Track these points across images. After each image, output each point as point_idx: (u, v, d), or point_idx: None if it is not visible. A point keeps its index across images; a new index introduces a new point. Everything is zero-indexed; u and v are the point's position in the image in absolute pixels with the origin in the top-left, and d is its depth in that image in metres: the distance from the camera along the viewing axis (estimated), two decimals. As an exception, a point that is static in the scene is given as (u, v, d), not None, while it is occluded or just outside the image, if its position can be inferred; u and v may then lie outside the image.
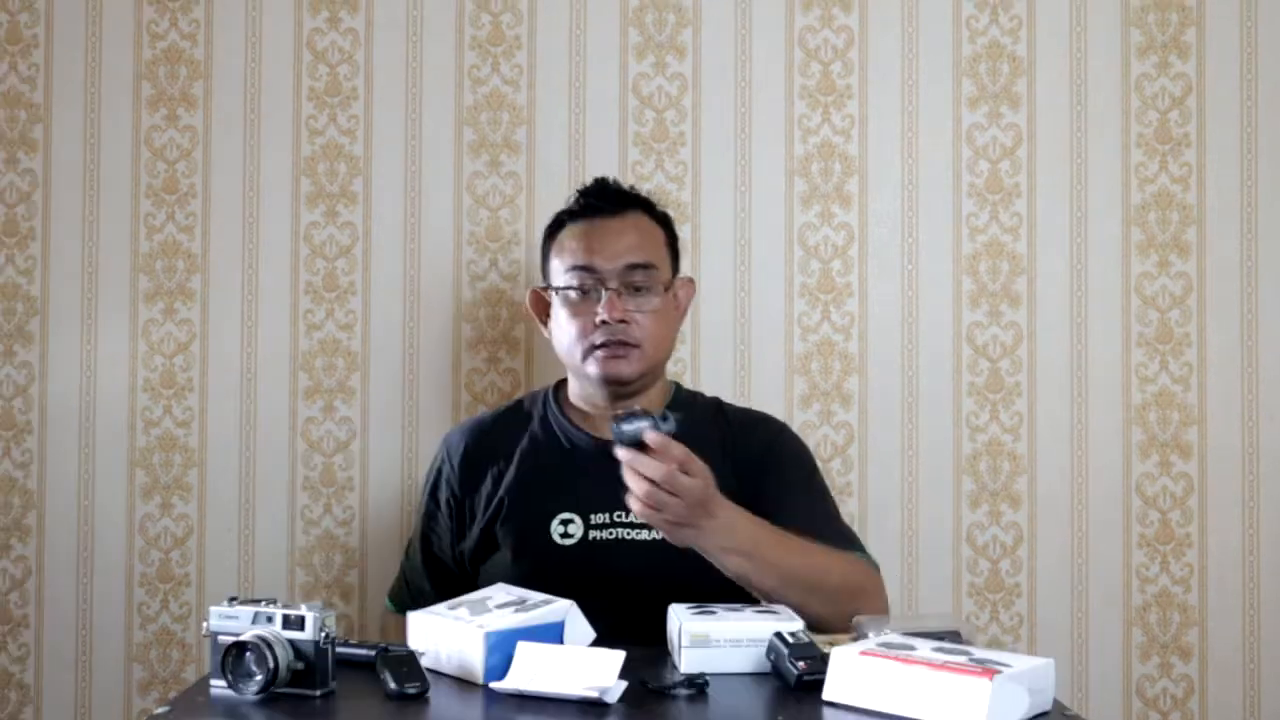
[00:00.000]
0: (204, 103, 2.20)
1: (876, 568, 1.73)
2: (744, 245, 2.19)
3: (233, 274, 2.19)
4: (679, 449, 1.48)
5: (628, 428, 1.49)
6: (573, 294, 1.79)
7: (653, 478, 1.47)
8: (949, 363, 2.18)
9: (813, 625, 1.58)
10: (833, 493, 1.88)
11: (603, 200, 1.85)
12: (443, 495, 1.87)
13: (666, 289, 1.82)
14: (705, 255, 2.19)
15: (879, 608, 1.67)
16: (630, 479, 1.49)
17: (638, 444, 1.48)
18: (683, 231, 2.18)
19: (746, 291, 2.19)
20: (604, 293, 1.77)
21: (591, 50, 2.20)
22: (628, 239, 1.80)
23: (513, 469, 1.81)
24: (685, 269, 2.15)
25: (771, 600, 1.59)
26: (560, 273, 1.82)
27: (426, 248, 2.19)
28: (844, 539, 1.74)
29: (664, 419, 1.49)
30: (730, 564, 1.57)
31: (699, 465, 1.49)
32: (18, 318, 2.19)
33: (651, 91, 2.20)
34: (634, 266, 1.78)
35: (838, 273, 2.19)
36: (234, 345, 2.19)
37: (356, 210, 2.20)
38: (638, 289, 1.79)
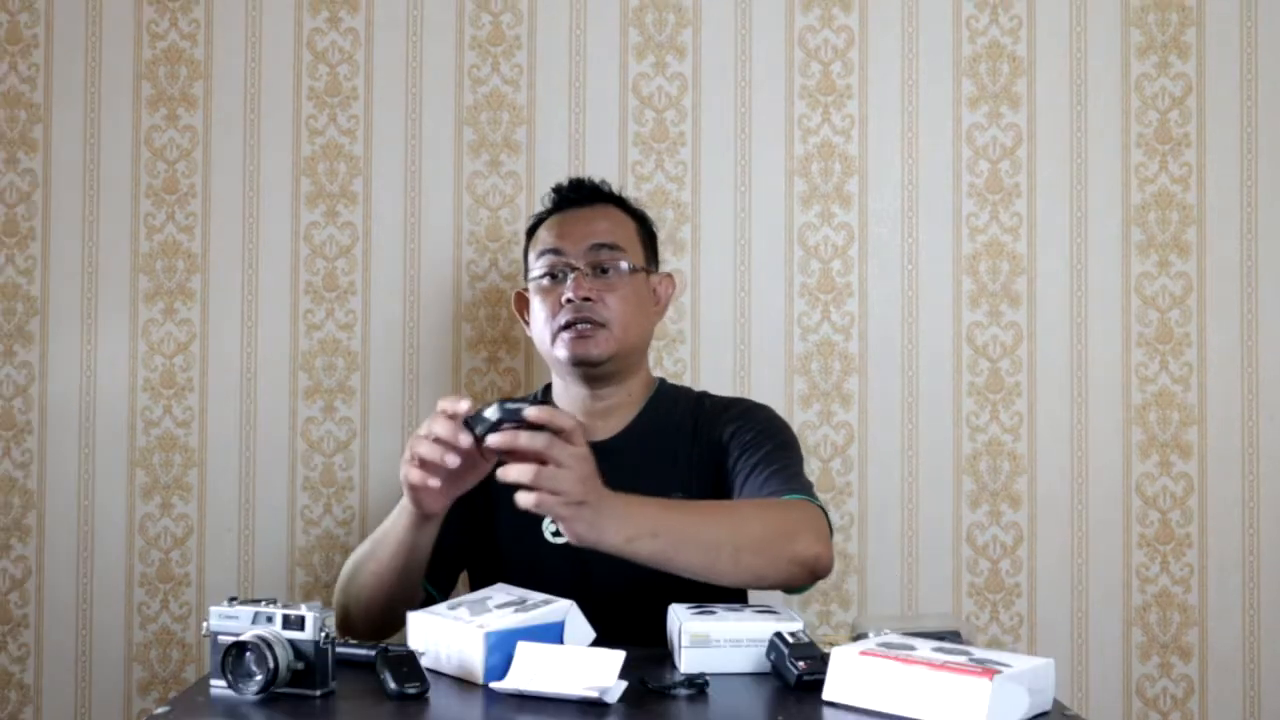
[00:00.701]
0: (204, 103, 2.20)
1: (821, 509, 1.62)
2: (744, 245, 2.19)
3: (233, 274, 2.19)
4: (565, 417, 1.39)
5: (486, 414, 1.39)
6: (544, 280, 1.82)
7: (538, 449, 1.36)
8: (949, 363, 2.18)
9: (761, 585, 1.58)
10: (822, 485, 1.87)
11: (575, 194, 1.90)
12: None
13: (635, 272, 1.82)
14: (705, 255, 2.19)
15: (816, 544, 1.55)
16: (512, 468, 1.38)
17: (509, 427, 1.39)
18: (682, 231, 2.18)
19: (746, 291, 2.19)
20: (571, 274, 1.79)
21: (591, 50, 2.20)
22: (596, 224, 1.84)
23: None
24: (685, 269, 2.16)
25: (706, 578, 1.52)
26: (533, 262, 1.86)
27: (426, 248, 2.19)
28: (789, 484, 1.66)
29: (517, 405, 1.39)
30: (643, 551, 1.46)
31: (581, 439, 1.39)
32: (18, 318, 2.19)
33: (651, 91, 2.20)
34: (600, 246, 1.81)
35: (838, 273, 2.19)
36: (234, 345, 2.19)
37: (356, 210, 2.20)
38: (605, 270, 1.80)
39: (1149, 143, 2.19)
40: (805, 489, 1.67)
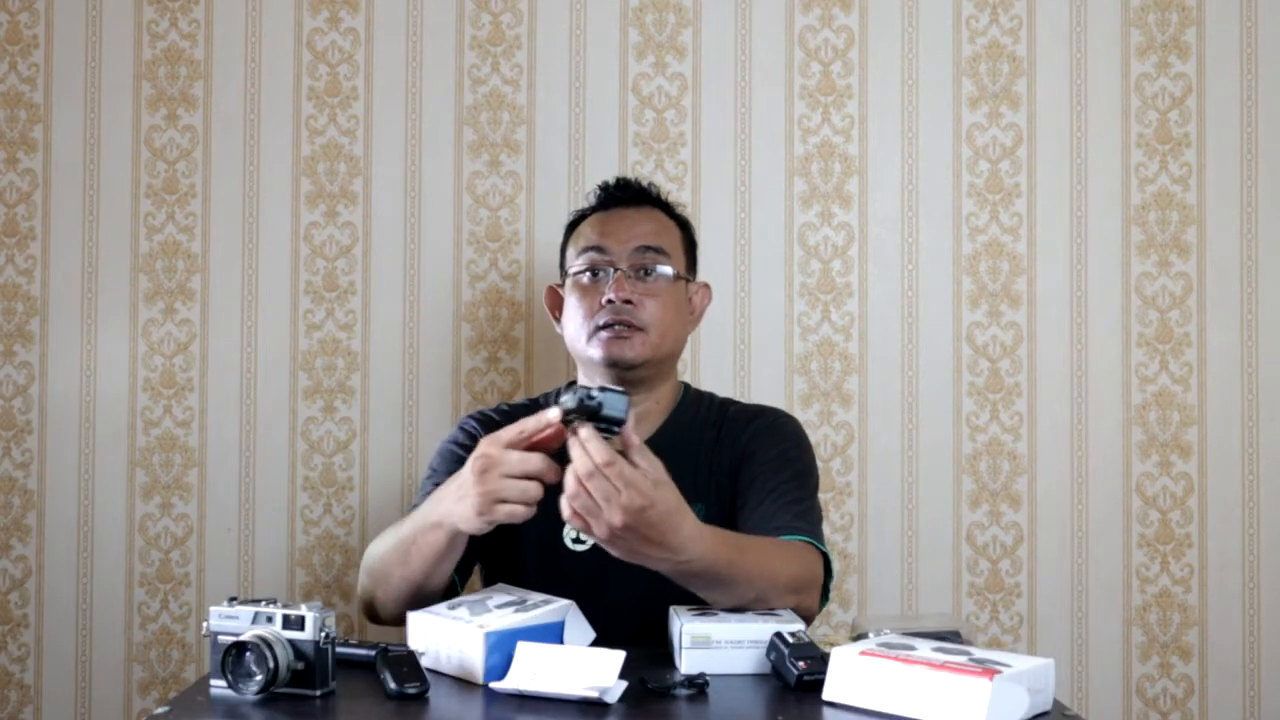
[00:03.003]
0: (204, 103, 2.20)
1: (824, 555, 1.64)
2: (744, 245, 2.19)
3: (233, 274, 2.19)
4: (648, 476, 1.35)
5: (608, 398, 1.34)
6: (583, 277, 1.80)
7: (583, 482, 1.34)
8: (949, 363, 2.18)
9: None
10: (822, 485, 1.85)
11: (622, 193, 1.88)
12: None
13: (676, 279, 1.81)
14: (705, 255, 2.18)
15: (813, 598, 1.58)
16: (568, 487, 1.36)
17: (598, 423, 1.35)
18: (683, 231, 2.18)
19: (746, 291, 2.19)
20: (613, 273, 1.77)
21: (591, 50, 2.20)
22: (642, 226, 1.82)
23: None
24: (685, 269, 2.16)
25: (714, 603, 1.53)
26: (573, 258, 1.83)
27: (426, 248, 2.19)
28: (798, 521, 1.66)
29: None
30: (677, 579, 1.48)
31: (649, 493, 1.35)
32: (18, 318, 2.19)
33: (651, 91, 2.20)
34: (645, 249, 1.79)
35: (838, 273, 2.19)
36: (234, 345, 2.19)
37: (356, 210, 2.20)
38: (648, 272, 1.78)
39: (1149, 143, 2.19)
40: (812, 530, 1.67)
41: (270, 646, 1.29)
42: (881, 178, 2.19)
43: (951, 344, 2.18)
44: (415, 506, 1.74)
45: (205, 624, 1.36)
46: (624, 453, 1.37)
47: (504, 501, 1.43)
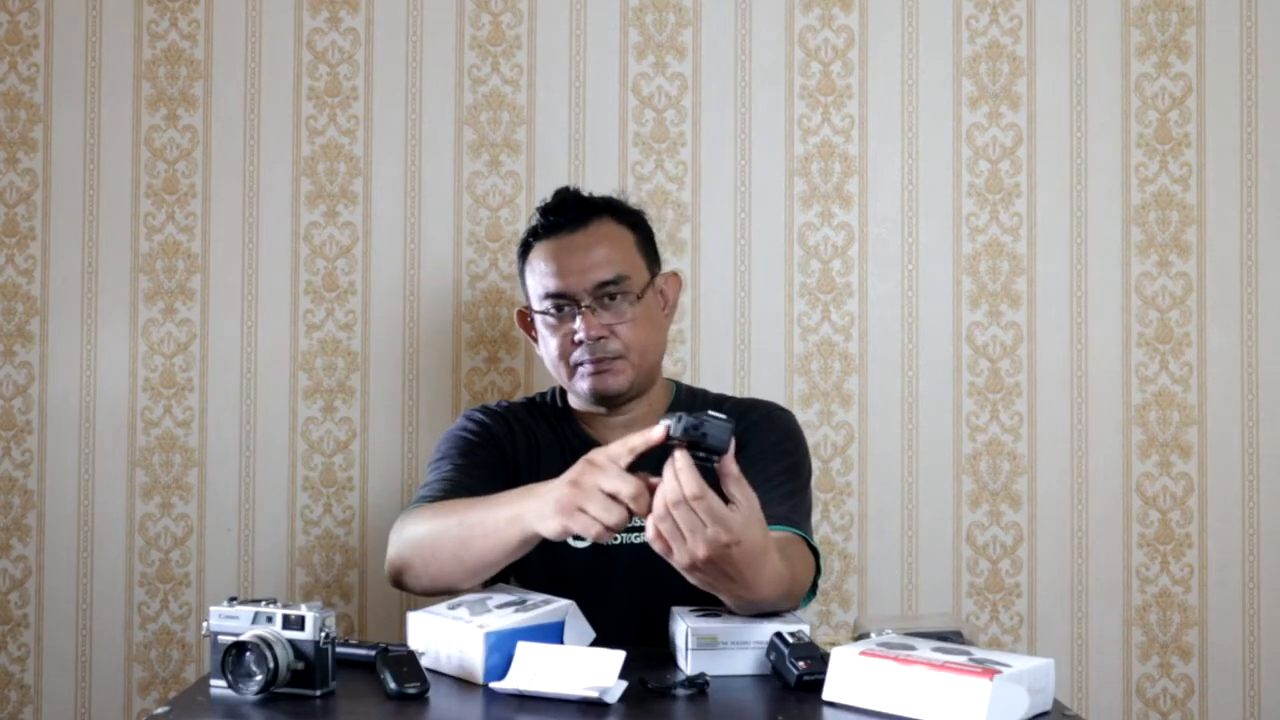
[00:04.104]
0: (204, 103, 2.20)
1: (815, 553, 1.63)
2: (744, 245, 2.19)
3: (233, 274, 2.19)
4: (746, 494, 1.35)
5: (716, 427, 1.32)
6: (550, 317, 1.77)
7: (695, 509, 1.32)
8: (949, 363, 2.18)
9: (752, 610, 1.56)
10: (822, 485, 1.85)
11: (564, 215, 1.79)
12: (487, 435, 1.79)
13: (641, 296, 1.77)
14: (705, 255, 2.19)
15: (796, 603, 1.58)
16: (657, 508, 1.34)
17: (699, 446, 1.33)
18: (682, 231, 2.18)
19: (746, 291, 2.19)
20: (579, 312, 1.73)
21: (591, 50, 2.20)
22: (595, 254, 1.75)
23: (537, 462, 1.79)
24: (685, 269, 2.16)
25: (734, 603, 1.50)
26: (535, 296, 1.79)
27: (426, 248, 2.19)
28: (790, 515, 1.64)
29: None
30: (719, 594, 1.46)
31: (737, 524, 1.33)
32: (18, 318, 2.19)
33: (651, 91, 2.20)
34: (605, 284, 1.74)
35: (838, 273, 2.19)
36: (234, 345, 2.19)
37: (356, 210, 2.20)
38: (613, 297, 1.74)
39: (1149, 143, 2.19)
40: (803, 524, 1.66)
41: (270, 646, 1.29)
42: (881, 178, 2.19)
43: (951, 344, 2.18)
44: (429, 484, 1.73)
45: (205, 624, 1.36)
46: (721, 482, 1.36)
47: (585, 512, 1.40)
